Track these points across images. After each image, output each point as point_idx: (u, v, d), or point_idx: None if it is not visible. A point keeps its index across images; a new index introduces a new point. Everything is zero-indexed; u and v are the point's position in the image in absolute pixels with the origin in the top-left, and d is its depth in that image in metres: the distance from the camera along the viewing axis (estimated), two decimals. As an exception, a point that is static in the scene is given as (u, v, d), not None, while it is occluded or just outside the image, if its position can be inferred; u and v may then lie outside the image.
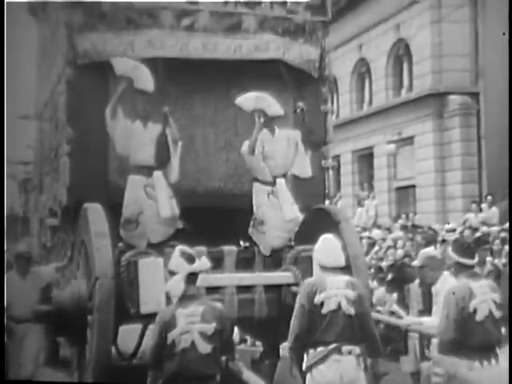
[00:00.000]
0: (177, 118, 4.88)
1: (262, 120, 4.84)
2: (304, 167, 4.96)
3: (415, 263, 4.40)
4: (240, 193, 5.04)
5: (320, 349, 3.31)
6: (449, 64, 13.52)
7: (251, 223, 4.92)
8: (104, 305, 4.16)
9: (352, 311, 3.34)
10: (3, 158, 5.29)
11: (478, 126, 13.29)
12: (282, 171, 4.93)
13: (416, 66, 14.25)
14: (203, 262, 3.34)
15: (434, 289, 4.29)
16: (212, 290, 4.61)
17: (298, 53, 5.20)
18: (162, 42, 4.95)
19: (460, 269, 3.57)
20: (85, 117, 4.96)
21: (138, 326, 4.76)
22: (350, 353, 3.30)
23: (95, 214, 4.46)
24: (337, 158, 14.92)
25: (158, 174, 4.74)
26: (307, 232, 4.89)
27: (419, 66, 14.08)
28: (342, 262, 3.49)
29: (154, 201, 4.71)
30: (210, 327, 3.18)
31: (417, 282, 6.20)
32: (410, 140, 14.24)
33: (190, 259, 3.30)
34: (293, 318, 3.42)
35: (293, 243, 5.08)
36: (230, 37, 5.06)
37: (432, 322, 3.97)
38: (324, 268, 3.46)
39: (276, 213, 4.84)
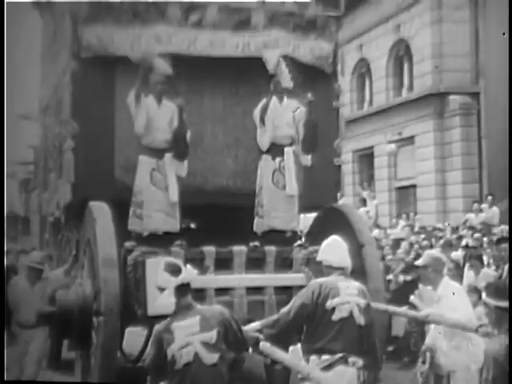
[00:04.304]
0: (185, 114, 4.76)
1: (276, 88, 4.83)
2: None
3: (418, 262, 4.20)
4: (249, 191, 4.90)
5: (325, 357, 3.15)
6: (449, 64, 13.48)
7: (255, 212, 4.78)
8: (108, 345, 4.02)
9: (362, 321, 3.21)
10: (3, 157, 5.20)
11: (478, 125, 13.27)
12: (288, 141, 4.84)
13: (416, 65, 14.21)
14: (189, 272, 3.14)
15: (434, 294, 4.16)
16: (221, 291, 4.49)
17: (309, 49, 5.10)
18: (169, 37, 4.85)
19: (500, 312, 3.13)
20: (90, 111, 4.82)
21: (144, 329, 4.62)
22: (353, 364, 3.16)
23: (102, 217, 4.29)
24: (337, 157, 14.83)
25: (169, 156, 4.63)
26: (319, 232, 4.77)
27: (420, 66, 14.03)
28: (348, 264, 3.36)
29: (156, 187, 4.59)
30: (212, 335, 3.00)
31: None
32: (410, 140, 14.21)
33: (175, 271, 3.11)
34: (285, 311, 3.25)
35: (302, 241, 4.96)
36: (239, 33, 4.96)
37: (455, 318, 3.81)
38: (330, 268, 3.32)
39: (276, 191, 4.73)
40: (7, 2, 4.92)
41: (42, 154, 6.93)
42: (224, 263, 4.59)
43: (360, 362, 3.18)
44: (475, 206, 10.97)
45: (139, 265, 4.37)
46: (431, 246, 8.43)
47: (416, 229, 11.37)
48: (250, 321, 4.46)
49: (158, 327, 3.10)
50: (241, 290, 4.52)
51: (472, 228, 9.76)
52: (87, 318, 4.35)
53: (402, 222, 12.23)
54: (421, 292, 5.87)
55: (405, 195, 14.60)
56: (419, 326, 6.29)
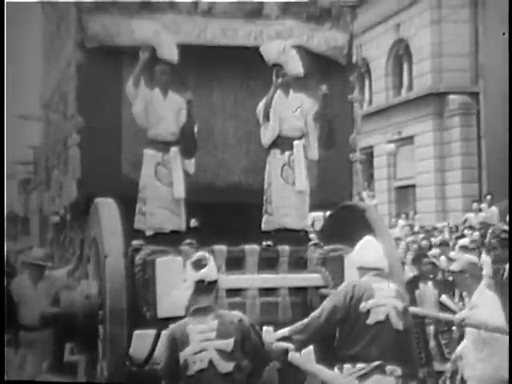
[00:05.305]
0: (195, 108, 4.57)
1: (279, 80, 4.57)
2: (312, 147, 4.63)
3: (453, 267, 3.96)
4: (261, 187, 4.71)
5: (360, 365, 2.95)
6: (449, 64, 13.47)
7: (263, 209, 4.58)
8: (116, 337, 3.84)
9: (400, 325, 3.01)
10: (3, 157, 5.04)
11: (477, 125, 13.28)
12: (297, 133, 4.62)
13: (416, 65, 14.16)
14: (208, 270, 2.89)
15: (468, 301, 3.96)
16: (233, 292, 4.30)
17: (324, 39, 4.91)
18: (178, 26, 4.65)
19: None
20: (96, 104, 4.61)
21: (153, 332, 4.42)
22: (391, 373, 2.96)
23: (108, 215, 4.08)
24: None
25: (175, 150, 4.42)
26: (335, 230, 4.59)
27: (419, 66, 13.99)
28: (384, 265, 3.17)
29: (161, 183, 4.40)
30: (229, 342, 2.81)
31: (429, 283, 5.92)
32: (409, 139, 14.20)
33: (198, 266, 2.90)
34: (315, 315, 3.08)
35: (315, 238, 4.77)
36: (251, 22, 4.76)
37: (496, 322, 3.63)
38: (363, 269, 3.14)
39: (286, 187, 4.52)
40: (7, 2, 4.76)
41: (44, 152, 6.70)
42: (236, 263, 4.38)
43: (399, 370, 2.97)
44: (474, 205, 11.01)
45: (148, 264, 4.16)
46: (430, 246, 8.34)
47: (416, 228, 11.30)
48: (263, 323, 4.27)
49: (172, 327, 2.91)
50: (253, 291, 4.31)
51: (471, 227, 9.70)
52: (93, 321, 4.15)
53: (402, 222, 12.17)
54: (421, 292, 5.74)
55: (404, 195, 14.56)
56: (419, 326, 6.15)
